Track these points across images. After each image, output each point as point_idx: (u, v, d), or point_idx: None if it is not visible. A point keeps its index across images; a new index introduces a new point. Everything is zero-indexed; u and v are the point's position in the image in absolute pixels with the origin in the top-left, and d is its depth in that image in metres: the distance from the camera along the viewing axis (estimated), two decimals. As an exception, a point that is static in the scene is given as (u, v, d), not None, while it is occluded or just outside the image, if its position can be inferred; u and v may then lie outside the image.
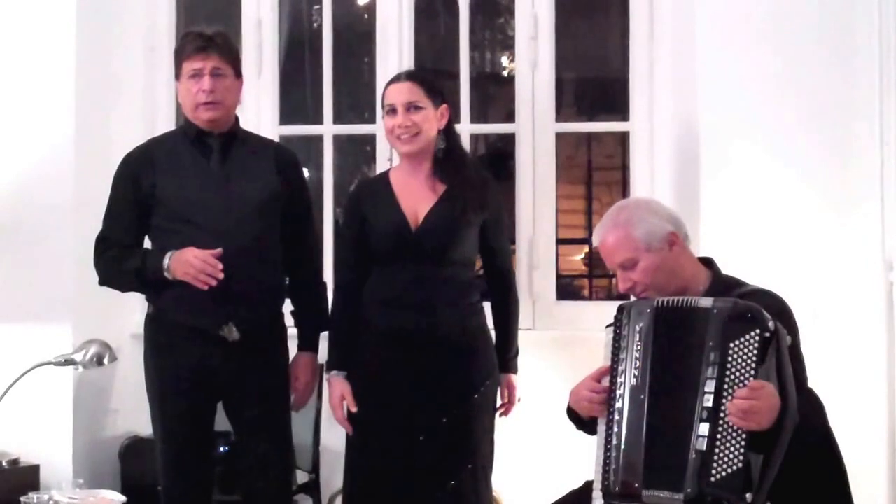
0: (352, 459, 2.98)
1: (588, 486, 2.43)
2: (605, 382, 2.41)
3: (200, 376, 2.92)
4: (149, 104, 3.94)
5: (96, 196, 3.75)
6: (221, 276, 2.80)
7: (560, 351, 3.43)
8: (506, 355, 3.04)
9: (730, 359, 2.21)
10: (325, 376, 3.03)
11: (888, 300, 3.17)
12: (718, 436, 2.19)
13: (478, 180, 2.99)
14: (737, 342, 2.21)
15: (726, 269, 2.60)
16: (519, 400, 3.05)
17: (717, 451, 2.18)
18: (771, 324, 2.21)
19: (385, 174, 3.08)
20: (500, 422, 3.02)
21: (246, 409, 2.97)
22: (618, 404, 2.34)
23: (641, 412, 2.30)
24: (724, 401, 2.19)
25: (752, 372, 2.20)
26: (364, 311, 2.98)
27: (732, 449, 2.18)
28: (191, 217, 2.89)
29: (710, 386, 2.21)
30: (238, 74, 3.01)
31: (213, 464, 3.08)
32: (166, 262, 2.85)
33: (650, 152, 3.67)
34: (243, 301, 2.89)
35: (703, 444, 2.19)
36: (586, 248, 8.13)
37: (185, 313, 2.90)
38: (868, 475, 2.95)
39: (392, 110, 2.96)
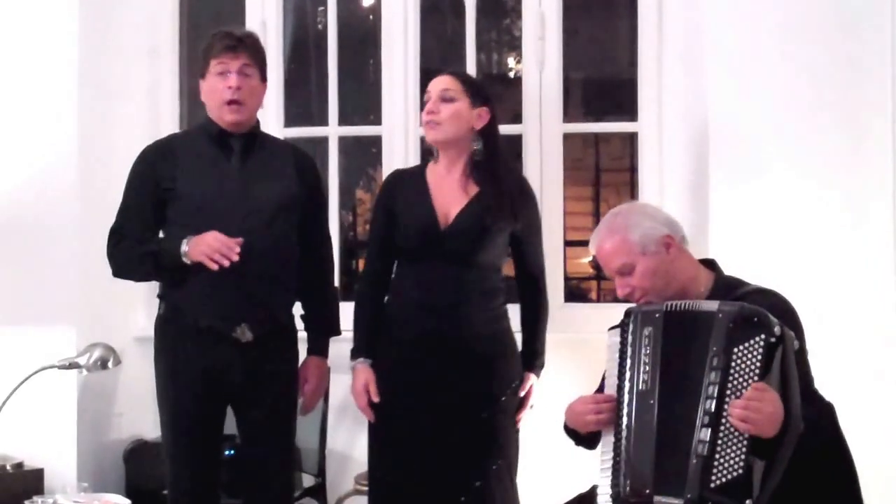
0: (375, 460, 2.98)
1: (595, 489, 2.41)
2: (612, 389, 2.40)
3: (211, 377, 2.91)
4: (152, 106, 3.95)
5: (100, 199, 3.78)
6: (236, 257, 2.77)
7: (568, 353, 3.41)
8: (531, 358, 3.03)
9: (733, 363, 2.21)
10: (350, 363, 3.02)
11: (899, 303, 3.16)
12: (720, 441, 2.19)
13: (512, 188, 2.97)
14: (741, 347, 2.21)
15: (735, 270, 2.59)
16: (531, 406, 3.02)
17: (717, 456, 2.18)
18: (777, 329, 2.20)
19: (422, 167, 3.08)
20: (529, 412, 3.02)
21: (253, 411, 2.97)
22: (625, 409, 2.34)
23: (651, 417, 2.29)
24: (725, 405, 2.19)
25: (756, 377, 2.19)
26: (390, 309, 2.98)
27: (734, 454, 2.18)
28: (207, 214, 2.89)
29: (712, 390, 2.21)
30: (263, 78, 3.01)
31: (220, 468, 3.05)
32: (184, 246, 2.83)
33: (659, 153, 3.65)
34: (257, 302, 2.90)
35: (704, 449, 2.20)
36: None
37: (199, 313, 2.89)
38: (879, 480, 2.91)
39: (428, 99, 2.98)
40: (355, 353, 3.01)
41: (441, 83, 2.97)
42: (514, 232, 2.97)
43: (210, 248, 2.78)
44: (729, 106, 3.33)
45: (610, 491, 2.32)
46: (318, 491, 3.54)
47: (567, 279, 3.97)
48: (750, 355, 2.21)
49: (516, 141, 3.78)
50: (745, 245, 3.20)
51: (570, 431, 2.56)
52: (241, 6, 3.91)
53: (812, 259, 3.23)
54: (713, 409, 2.20)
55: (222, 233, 2.83)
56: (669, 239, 2.50)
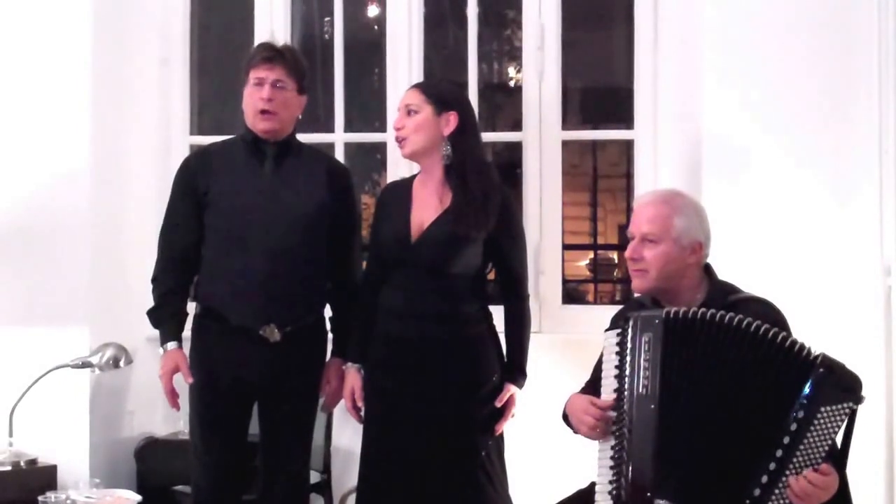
0: (363, 456, 3.03)
1: (594, 487, 2.45)
2: (608, 390, 2.44)
3: (240, 375, 3.00)
4: (163, 113, 3.99)
5: (112, 202, 3.84)
6: (173, 406, 3.10)
7: (565, 353, 3.47)
8: (512, 370, 3.02)
9: (816, 422, 2.20)
10: (343, 367, 3.09)
11: (886, 304, 3.20)
12: (777, 490, 2.21)
13: (482, 196, 2.92)
14: (829, 408, 2.20)
15: (728, 274, 2.64)
16: (513, 416, 3.01)
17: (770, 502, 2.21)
18: (863, 397, 2.23)
19: (412, 178, 3.11)
20: (510, 421, 3.03)
21: (276, 406, 3.06)
22: (627, 412, 2.36)
23: (652, 421, 2.32)
24: (794, 458, 2.20)
25: (830, 441, 2.21)
26: (377, 314, 3.03)
27: None
28: (240, 219, 3.00)
29: (787, 441, 2.21)
30: (301, 90, 3.09)
31: (244, 464, 3.12)
32: (161, 350, 3.08)
33: (654, 160, 3.70)
34: (285, 303, 2.99)
35: (759, 493, 2.22)
36: (591, 254, 8.19)
37: (229, 312, 2.99)
38: (866, 480, 2.99)
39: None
40: (348, 357, 3.09)
41: (405, 98, 3.02)
42: (489, 238, 2.96)
43: (160, 379, 3.07)
44: (722, 114, 3.38)
45: (609, 488, 2.35)
46: (324, 487, 3.59)
47: (565, 282, 4.03)
48: (833, 418, 2.20)
49: (517, 148, 3.84)
50: (738, 249, 3.22)
51: (569, 422, 2.60)
52: (249, 16, 3.95)
53: (801, 263, 3.28)
54: (783, 457, 2.21)
55: (251, 237, 2.97)
56: (700, 247, 2.53)
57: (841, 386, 2.22)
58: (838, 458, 2.26)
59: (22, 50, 3.76)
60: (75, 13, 3.74)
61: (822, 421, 2.20)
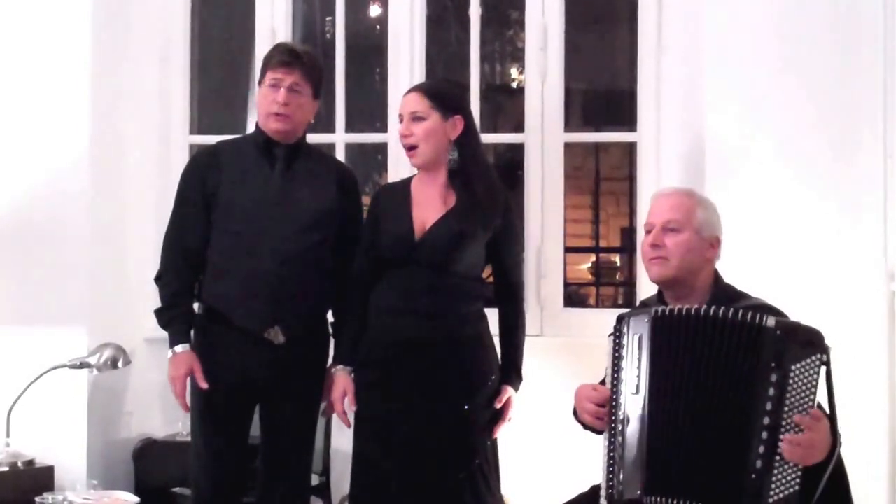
0: (356, 457, 3.01)
1: (595, 490, 2.47)
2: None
3: (243, 376, 2.99)
4: (163, 111, 4.00)
5: (111, 201, 3.85)
6: (185, 410, 3.04)
7: (567, 356, 3.47)
8: (509, 371, 3.01)
9: (791, 381, 2.22)
10: (332, 370, 3.06)
11: (890, 310, 3.21)
12: (777, 458, 2.21)
13: (486, 197, 2.95)
14: (798, 365, 2.22)
15: (730, 278, 2.63)
16: (509, 419, 3.01)
17: (776, 472, 2.21)
18: (828, 347, 2.24)
19: (409, 180, 3.11)
20: (507, 424, 3.01)
21: (278, 408, 3.05)
22: (620, 411, 2.37)
23: (642, 419, 2.32)
24: (782, 423, 2.21)
25: (813, 396, 2.22)
26: (372, 313, 3.01)
27: (790, 471, 2.21)
28: (248, 220, 2.99)
29: (770, 406, 2.22)
30: (316, 95, 3.09)
31: (244, 466, 3.11)
32: (170, 353, 3.02)
33: (657, 163, 3.70)
34: (291, 306, 2.98)
35: (760, 465, 2.22)
36: (593, 258, 8.21)
37: (233, 314, 2.98)
38: (869, 485, 2.98)
39: (401, 120, 3.02)
40: (337, 360, 3.06)
41: (410, 104, 2.99)
42: (493, 238, 2.97)
43: (172, 382, 3.00)
44: (725, 117, 3.38)
45: (607, 488, 2.36)
46: (323, 490, 3.59)
47: (566, 285, 4.02)
48: (807, 373, 2.22)
49: (519, 150, 3.84)
50: (740, 252, 3.18)
51: (578, 417, 2.60)
52: (250, 16, 3.95)
53: (804, 268, 3.27)
54: (771, 424, 2.21)
55: (258, 239, 2.95)
56: (717, 243, 2.56)
57: (801, 342, 2.24)
58: (830, 412, 2.27)
59: (22, 49, 3.76)
60: (75, 12, 3.75)
61: (796, 378, 2.22)
